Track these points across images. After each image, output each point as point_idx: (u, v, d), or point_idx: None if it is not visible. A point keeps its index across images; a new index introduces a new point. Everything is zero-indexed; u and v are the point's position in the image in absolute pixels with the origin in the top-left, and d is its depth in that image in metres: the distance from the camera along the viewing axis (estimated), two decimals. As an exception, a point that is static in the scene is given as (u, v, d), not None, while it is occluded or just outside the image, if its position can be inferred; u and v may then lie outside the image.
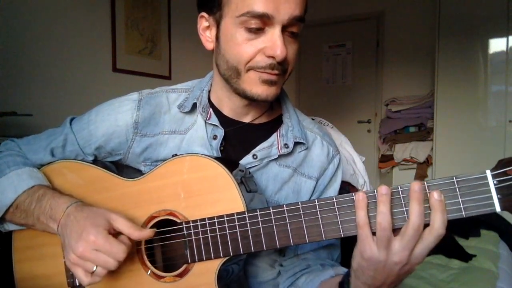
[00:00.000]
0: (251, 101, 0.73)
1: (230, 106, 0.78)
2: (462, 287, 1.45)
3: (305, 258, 0.80)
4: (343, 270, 0.71)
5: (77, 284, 0.72)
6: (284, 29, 0.66)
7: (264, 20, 0.65)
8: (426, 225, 0.54)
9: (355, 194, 0.57)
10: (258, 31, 0.66)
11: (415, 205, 0.53)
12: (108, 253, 0.61)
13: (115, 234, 0.64)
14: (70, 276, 0.73)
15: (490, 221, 2.02)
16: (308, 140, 0.80)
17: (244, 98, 0.73)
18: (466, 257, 1.69)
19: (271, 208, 0.61)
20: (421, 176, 3.68)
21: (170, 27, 3.17)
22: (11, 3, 2.06)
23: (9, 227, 0.76)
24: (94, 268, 0.61)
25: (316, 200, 0.59)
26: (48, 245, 0.75)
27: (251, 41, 0.67)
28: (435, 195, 0.53)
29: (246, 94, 0.71)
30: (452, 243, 1.81)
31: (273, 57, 0.66)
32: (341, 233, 0.58)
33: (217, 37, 0.72)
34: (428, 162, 3.66)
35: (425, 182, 0.55)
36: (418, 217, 0.53)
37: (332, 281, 0.69)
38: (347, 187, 1.55)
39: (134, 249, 0.68)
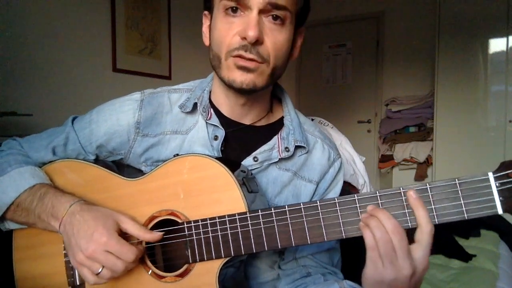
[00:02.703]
0: (230, 88, 0.71)
1: (228, 103, 0.77)
2: (462, 287, 1.45)
3: (305, 265, 0.79)
4: (348, 284, 0.70)
5: (78, 283, 0.72)
6: (265, 13, 0.66)
7: (240, 3, 0.65)
8: (413, 230, 0.55)
9: (357, 199, 0.57)
10: (236, 16, 0.66)
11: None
12: (119, 254, 0.62)
13: (123, 235, 0.65)
14: (71, 275, 0.73)
15: (490, 221, 2.02)
16: (309, 144, 0.80)
17: (228, 87, 0.72)
18: (466, 257, 1.69)
19: (273, 209, 0.61)
20: (421, 176, 3.68)
21: (170, 27, 3.17)
22: (11, 3, 2.06)
23: (10, 225, 0.76)
24: (100, 270, 0.62)
25: (318, 201, 0.60)
26: (48, 244, 0.75)
27: (229, 25, 0.67)
28: (412, 194, 0.55)
29: (225, 81, 0.70)
30: (452, 243, 1.81)
31: (245, 38, 0.65)
32: (343, 234, 0.58)
33: (210, 30, 0.73)
34: (428, 162, 3.67)
35: (427, 184, 0.56)
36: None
37: None
38: (347, 187, 1.55)
39: (145, 253, 0.69)
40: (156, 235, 0.66)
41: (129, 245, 0.63)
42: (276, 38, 0.68)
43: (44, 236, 0.74)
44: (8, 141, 0.83)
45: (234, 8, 0.66)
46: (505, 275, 1.55)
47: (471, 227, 1.97)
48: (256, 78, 0.69)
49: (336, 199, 0.59)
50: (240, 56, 0.66)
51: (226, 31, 0.67)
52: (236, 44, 0.66)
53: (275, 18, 0.67)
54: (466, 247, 1.77)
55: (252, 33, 0.64)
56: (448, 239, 1.84)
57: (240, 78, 0.68)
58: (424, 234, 0.54)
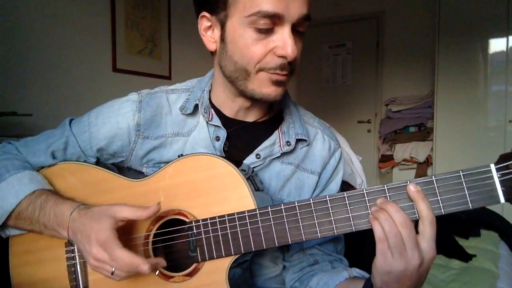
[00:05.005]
0: (257, 101, 0.72)
1: (233, 107, 0.77)
2: (462, 287, 1.45)
3: (312, 254, 0.80)
4: (356, 271, 0.71)
5: (81, 287, 0.71)
6: (292, 28, 0.65)
7: (274, 20, 0.63)
8: (416, 223, 0.57)
9: (366, 193, 0.59)
10: (267, 31, 0.65)
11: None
12: (110, 262, 0.61)
13: (126, 225, 0.65)
14: (73, 279, 0.72)
15: (490, 221, 2.02)
16: (309, 136, 0.80)
17: (250, 99, 0.72)
18: (466, 257, 1.69)
19: (282, 205, 0.62)
20: (421, 176, 3.67)
21: (170, 27, 3.17)
22: (11, 3, 2.06)
23: (11, 232, 0.75)
24: (113, 269, 0.61)
25: (327, 196, 0.60)
26: (48, 248, 0.73)
27: (260, 41, 0.65)
28: (411, 188, 0.56)
29: (254, 95, 0.69)
30: (452, 243, 1.82)
31: (283, 57, 0.65)
32: (353, 228, 0.60)
33: (222, 38, 0.69)
34: (428, 162, 3.67)
35: (433, 177, 0.57)
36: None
37: (349, 286, 0.69)
38: (345, 186, 1.55)
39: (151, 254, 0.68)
40: (153, 207, 0.63)
41: (120, 250, 0.60)
42: (299, 50, 0.69)
43: (44, 241, 0.73)
44: (3, 144, 0.81)
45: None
46: (505, 275, 1.55)
47: (471, 227, 1.97)
48: (284, 89, 0.71)
49: (345, 193, 0.60)
50: (276, 73, 0.67)
51: (258, 47, 0.65)
52: (272, 63, 0.66)
53: (299, 32, 0.67)
54: (466, 247, 1.77)
55: (292, 53, 0.64)
56: (448, 239, 1.84)
57: (275, 93, 0.69)
58: (426, 226, 0.55)
